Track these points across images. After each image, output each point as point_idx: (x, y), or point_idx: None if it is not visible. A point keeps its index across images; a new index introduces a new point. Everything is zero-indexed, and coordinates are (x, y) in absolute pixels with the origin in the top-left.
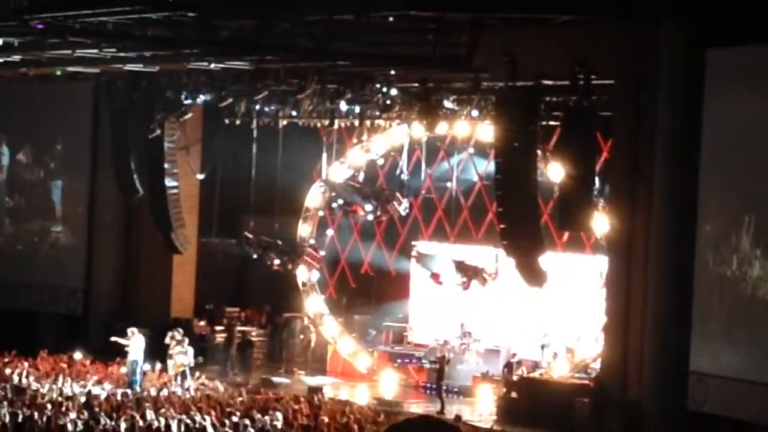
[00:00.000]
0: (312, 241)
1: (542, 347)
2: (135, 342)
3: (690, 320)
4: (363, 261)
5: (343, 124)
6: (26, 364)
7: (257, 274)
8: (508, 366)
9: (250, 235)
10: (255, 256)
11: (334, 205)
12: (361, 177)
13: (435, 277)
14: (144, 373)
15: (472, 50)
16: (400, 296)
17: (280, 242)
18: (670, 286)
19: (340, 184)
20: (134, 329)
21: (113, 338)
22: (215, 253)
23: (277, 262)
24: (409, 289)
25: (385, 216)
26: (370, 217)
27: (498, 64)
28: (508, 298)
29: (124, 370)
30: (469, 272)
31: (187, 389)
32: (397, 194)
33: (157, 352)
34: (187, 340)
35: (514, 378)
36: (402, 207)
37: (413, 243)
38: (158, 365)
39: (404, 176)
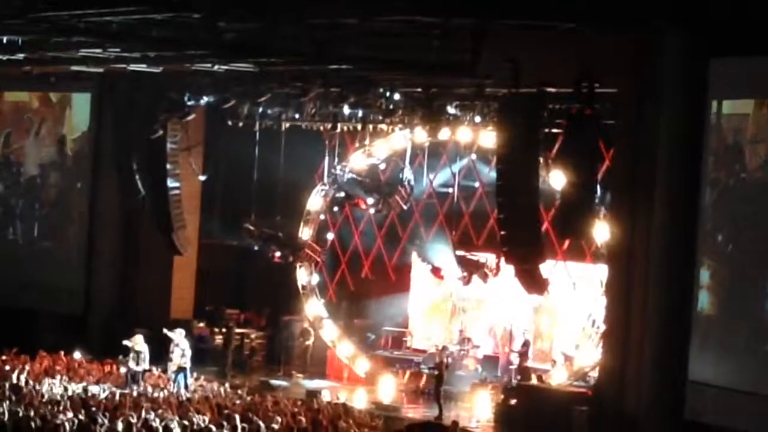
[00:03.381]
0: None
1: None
2: (180, 344)
3: (690, 329)
4: (363, 265)
5: (345, 128)
6: (25, 363)
7: (258, 276)
8: (523, 372)
9: (252, 227)
10: (256, 248)
11: (335, 208)
12: None
13: (436, 271)
14: (147, 370)
15: (475, 56)
16: (400, 301)
17: (281, 234)
18: (669, 294)
19: (343, 179)
20: (181, 330)
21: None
22: (216, 255)
23: (278, 254)
24: (410, 293)
25: (387, 210)
26: (372, 211)
27: (501, 70)
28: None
29: (123, 370)
30: (470, 267)
31: (186, 390)
32: (400, 189)
33: (156, 353)
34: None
35: (513, 384)
36: (404, 201)
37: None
38: (154, 367)
39: (408, 176)
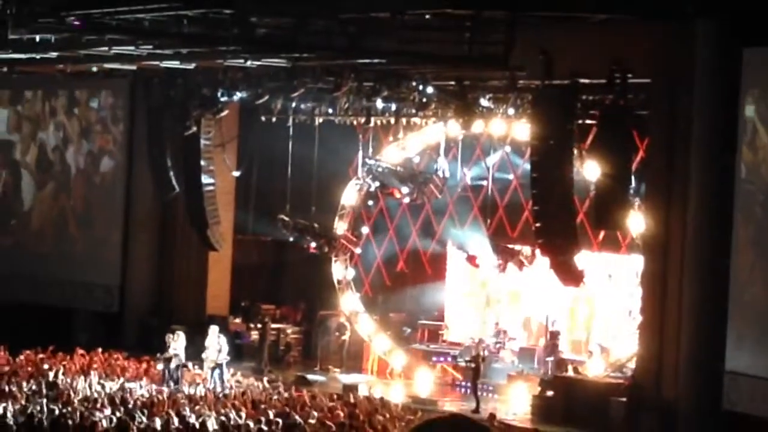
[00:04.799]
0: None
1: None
2: (215, 343)
3: (726, 319)
4: (398, 259)
5: (379, 122)
6: (62, 360)
7: (293, 271)
8: (559, 364)
9: (286, 218)
10: (291, 239)
11: (370, 202)
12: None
13: (471, 259)
14: (184, 366)
15: (508, 48)
16: (435, 292)
17: (316, 225)
18: (705, 285)
19: (377, 169)
20: (215, 327)
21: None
22: (251, 251)
23: (313, 245)
24: (445, 283)
25: (421, 199)
26: (407, 200)
27: (534, 62)
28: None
29: (160, 366)
30: (506, 254)
31: (222, 386)
32: (434, 178)
33: (192, 349)
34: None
35: (549, 376)
36: (439, 190)
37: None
38: (190, 364)
39: (442, 165)
